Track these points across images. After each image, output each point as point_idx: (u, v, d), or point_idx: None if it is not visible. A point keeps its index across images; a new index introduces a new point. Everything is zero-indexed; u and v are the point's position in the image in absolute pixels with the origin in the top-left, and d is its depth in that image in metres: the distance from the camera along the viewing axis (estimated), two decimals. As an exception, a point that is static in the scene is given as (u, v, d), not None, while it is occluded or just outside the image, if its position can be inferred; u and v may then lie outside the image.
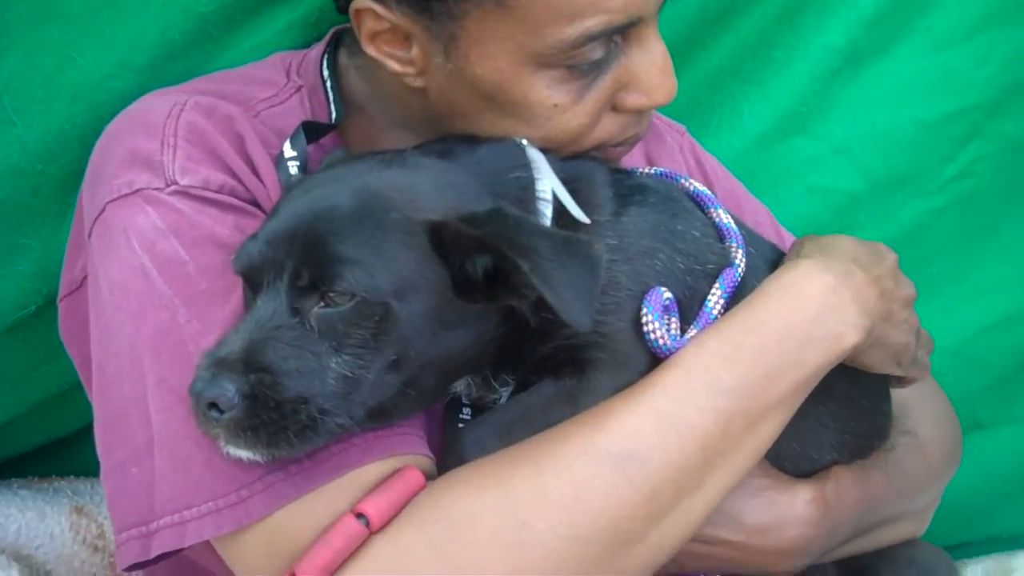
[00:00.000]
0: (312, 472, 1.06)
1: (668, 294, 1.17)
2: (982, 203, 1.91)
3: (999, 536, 2.04)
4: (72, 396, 1.20)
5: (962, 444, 1.59)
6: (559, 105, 1.22)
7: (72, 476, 1.81)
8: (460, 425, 1.19)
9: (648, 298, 1.16)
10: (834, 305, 1.18)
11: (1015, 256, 1.96)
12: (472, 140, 1.23)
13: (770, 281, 1.21)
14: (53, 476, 1.81)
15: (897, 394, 1.42)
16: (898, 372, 1.31)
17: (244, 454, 1.02)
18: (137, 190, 1.16)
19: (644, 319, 1.15)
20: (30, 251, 1.45)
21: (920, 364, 1.35)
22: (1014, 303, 1.97)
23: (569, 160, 1.26)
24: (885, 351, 1.26)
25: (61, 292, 1.32)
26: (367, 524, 1.02)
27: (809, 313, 1.17)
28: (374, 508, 1.03)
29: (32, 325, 1.50)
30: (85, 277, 1.24)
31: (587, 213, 1.19)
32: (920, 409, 1.44)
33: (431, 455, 1.14)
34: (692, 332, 1.18)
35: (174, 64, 1.39)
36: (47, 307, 1.38)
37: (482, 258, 1.06)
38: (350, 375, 1.03)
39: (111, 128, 1.26)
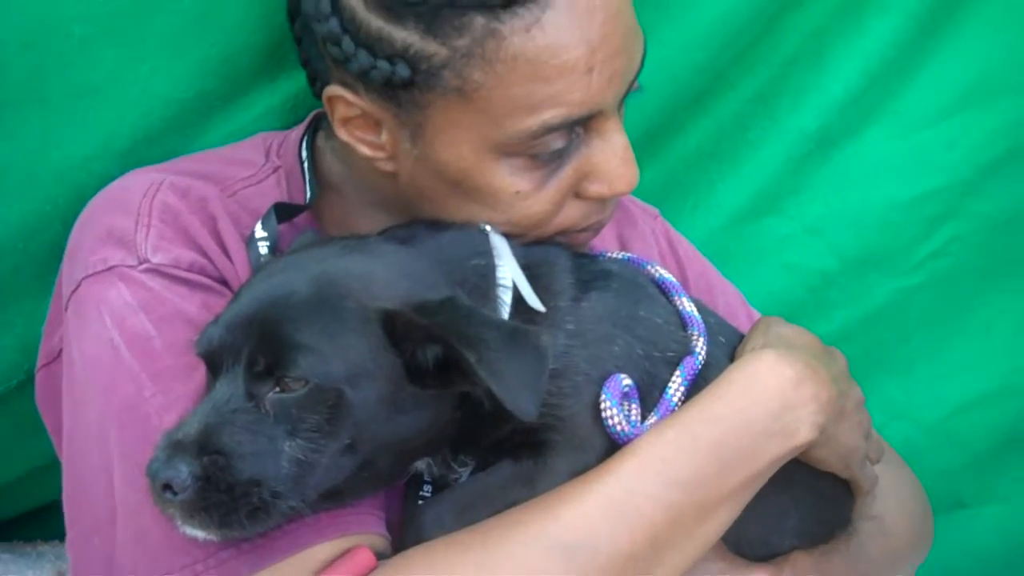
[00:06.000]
0: (265, 550, 1.08)
1: (627, 381, 1.19)
2: (958, 281, 1.91)
3: (986, 616, 2.03)
4: (56, 467, 1.22)
5: (932, 524, 1.59)
6: (521, 192, 1.24)
7: (56, 541, 1.79)
8: (419, 503, 1.20)
9: (607, 385, 1.17)
10: (794, 401, 1.20)
11: (993, 333, 1.96)
12: (436, 226, 1.25)
13: (733, 370, 1.22)
14: (38, 540, 1.81)
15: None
16: (846, 474, 1.31)
17: (198, 533, 1.04)
18: (111, 267, 1.20)
19: (603, 405, 1.16)
20: (13, 327, 1.48)
21: (868, 474, 1.35)
22: (993, 380, 1.97)
23: (533, 245, 1.28)
24: (835, 451, 1.27)
25: (39, 362, 1.34)
26: (315, 603, 1.03)
27: (769, 408, 1.19)
28: (323, 587, 1.04)
29: (16, 399, 1.52)
30: (61, 349, 1.26)
31: (547, 299, 1.21)
32: (885, 493, 1.44)
33: (386, 534, 1.16)
34: (652, 419, 1.19)
35: (153, 148, 1.41)
36: (29, 382, 1.40)
37: (432, 347, 1.08)
38: (303, 459, 1.04)
39: (91, 206, 1.29)
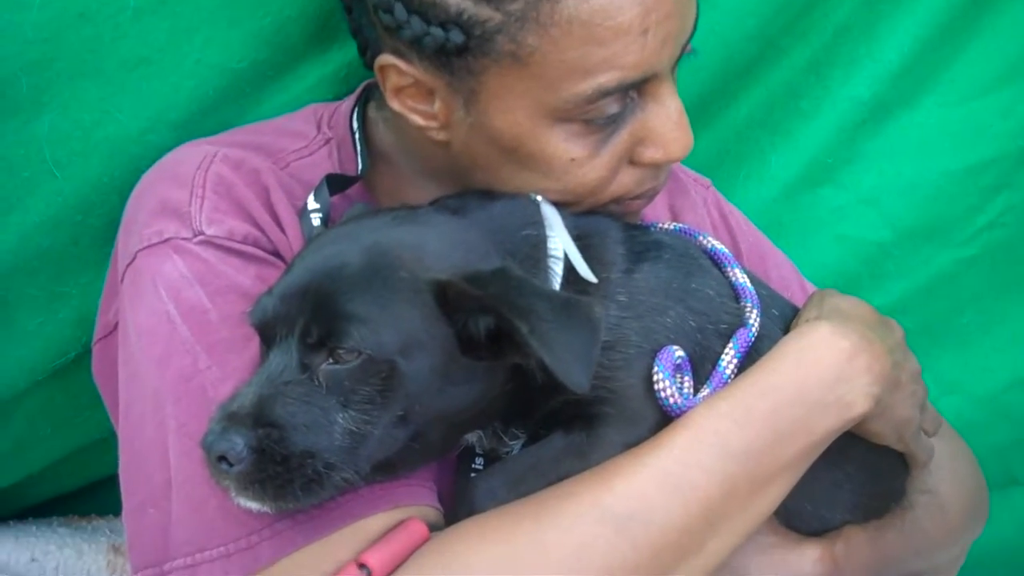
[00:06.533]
0: (319, 521, 1.08)
1: (680, 352, 1.18)
2: (1013, 253, 1.89)
3: (1038, 591, 2.02)
4: (112, 441, 1.23)
5: (988, 500, 1.57)
6: (576, 159, 1.24)
7: (111, 515, 1.84)
8: (472, 475, 1.21)
9: (660, 357, 1.17)
10: (848, 373, 1.19)
11: (1048, 306, 1.93)
12: (488, 196, 1.25)
13: (787, 342, 1.21)
14: (93, 515, 1.84)
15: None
16: (900, 447, 1.30)
17: (253, 505, 1.05)
18: (166, 239, 1.21)
19: (655, 378, 1.16)
20: (70, 299, 1.50)
21: (924, 445, 1.34)
22: (1048, 355, 1.94)
23: (584, 216, 1.27)
24: (889, 423, 1.26)
25: (95, 336, 1.36)
26: (369, 574, 1.04)
27: (824, 379, 1.18)
28: (376, 559, 1.05)
29: (73, 372, 1.55)
30: (117, 322, 1.28)
31: (599, 270, 1.20)
32: (941, 466, 1.43)
33: (438, 507, 1.16)
34: (705, 392, 1.19)
35: (208, 119, 1.42)
36: (86, 355, 1.42)
37: (485, 318, 1.08)
38: (356, 430, 1.05)
39: (146, 178, 1.30)
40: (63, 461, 1.71)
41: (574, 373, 1.02)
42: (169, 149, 1.33)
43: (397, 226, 1.15)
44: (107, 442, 1.60)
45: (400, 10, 1.20)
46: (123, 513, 1.19)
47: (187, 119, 1.42)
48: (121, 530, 1.78)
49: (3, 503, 1.80)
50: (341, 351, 1.05)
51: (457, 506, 1.16)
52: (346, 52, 1.51)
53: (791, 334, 1.23)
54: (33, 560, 1.68)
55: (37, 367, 1.54)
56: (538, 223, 1.21)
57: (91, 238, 1.45)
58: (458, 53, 1.19)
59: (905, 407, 1.27)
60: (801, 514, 1.28)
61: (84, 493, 1.87)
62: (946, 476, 1.45)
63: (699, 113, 1.69)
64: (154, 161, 1.32)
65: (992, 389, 1.95)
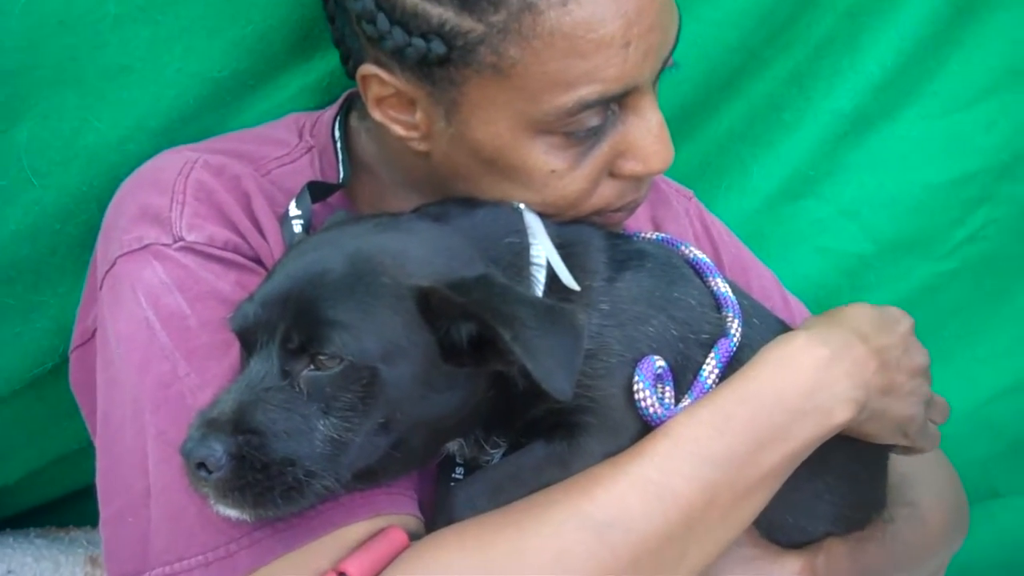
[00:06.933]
0: (299, 529, 1.08)
1: (661, 362, 1.18)
2: (994, 266, 1.90)
3: (1019, 605, 2.01)
4: (90, 451, 1.22)
5: (968, 513, 1.58)
6: (556, 171, 1.24)
7: (89, 526, 1.82)
8: (452, 484, 1.20)
9: (640, 367, 1.16)
10: (826, 380, 1.18)
11: (1029, 319, 1.94)
12: (470, 203, 1.25)
13: (766, 351, 1.21)
14: (71, 526, 1.83)
15: (897, 464, 1.41)
16: (904, 442, 1.30)
17: (232, 513, 1.04)
18: (146, 245, 1.20)
19: (636, 387, 1.16)
20: (48, 308, 1.48)
21: (930, 435, 1.34)
22: (1028, 367, 1.95)
23: (567, 225, 1.27)
24: (887, 423, 1.26)
25: (73, 343, 1.35)
26: (347, 583, 1.03)
27: (801, 387, 1.17)
28: (356, 567, 1.04)
29: (50, 382, 1.53)
30: (95, 329, 1.27)
31: (581, 278, 1.20)
32: (921, 479, 1.44)
33: (418, 515, 1.16)
34: (686, 402, 1.19)
35: (188, 127, 1.42)
36: (64, 364, 1.40)
37: (467, 325, 1.07)
38: (337, 438, 1.04)
39: (126, 184, 1.29)
40: (40, 471, 1.70)
41: (557, 380, 1.02)
42: (148, 157, 1.32)
43: (379, 233, 1.15)
44: (84, 452, 1.58)
45: (383, 20, 1.20)
46: (100, 521, 1.18)
47: (167, 127, 1.41)
48: (99, 541, 1.73)
49: (-21, 515, 1.79)
50: (322, 357, 1.04)
51: (437, 514, 1.15)
52: (328, 62, 1.51)
53: (771, 343, 1.23)
54: (9, 572, 1.67)
55: (13, 376, 1.53)
56: (521, 231, 1.21)
57: (69, 247, 1.44)
58: (440, 64, 1.19)
59: (904, 407, 1.27)
60: (782, 526, 1.28)
61: (62, 503, 1.86)
62: (927, 489, 1.46)
63: (680, 125, 1.69)
64: (133, 170, 1.31)
65: (974, 401, 1.95)
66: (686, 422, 1.14)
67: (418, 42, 1.18)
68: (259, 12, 1.42)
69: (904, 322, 1.32)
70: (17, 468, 1.69)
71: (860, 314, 1.29)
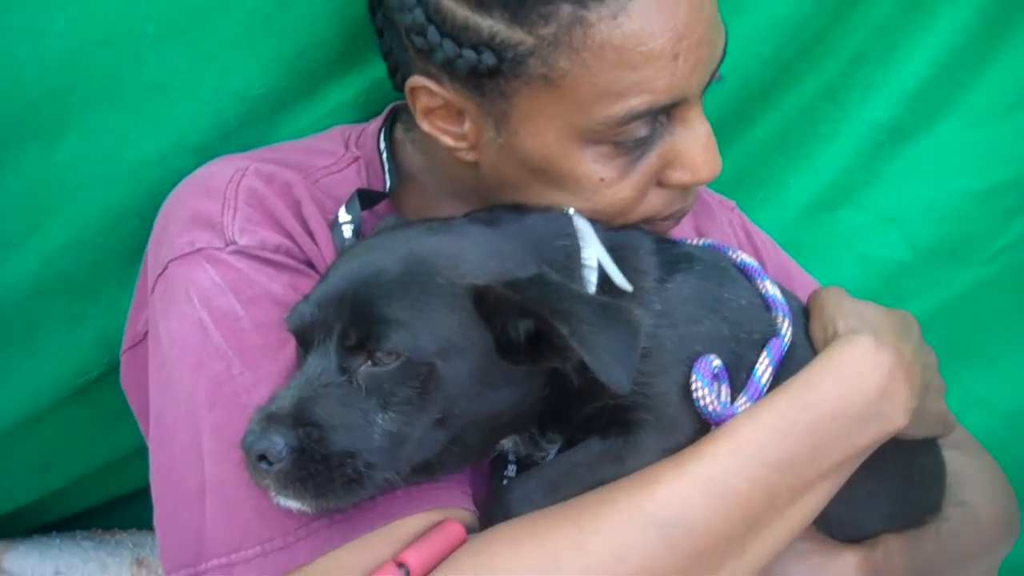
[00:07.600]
0: (356, 521, 1.09)
1: (717, 362, 1.18)
2: (1034, 273, 1.90)
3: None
4: (136, 457, 1.22)
5: (1019, 514, 1.57)
6: (605, 180, 1.25)
7: (134, 529, 1.84)
8: (504, 481, 1.21)
9: (698, 365, 1.17)
10: (891, 389, 1.19)
11: (1070, 322, 1.93)
12: (520, 209, 1.26)
13: (829, 355, 1.21)
14: (116, 528, 1.85)
15: (950, 465, 1.42)
16: (931, 435, 1.32)
17: (293, 504, 1.05)
18: (198, 249, 1.21)
19: (694, 386, 1.16)
20: (92, 320, 1.50)
21: (950, 424, 1.36)
22: (1071, 369, 1.95)
23: (616, 229, 1.28)
24: (925, 422, 1.27)
25: (124, 345, 1.36)
26: (407, 573, 1.04)
27: (867, 395, 1.18)
28: (415, 558, 1.05)
29: (95, 391, 1.55)
30: (147, 332, 1.28)
31: (632, 280, 1.21)
32: (973, 481, 1.44)
33: (473, 509, 1.16)
34: (742, 400, 1.19)
35: (228, 143, 1.43)
36: (109, 373, 1.41)
37: (524, 322, 1.08)
38: (396, 432, 1.05)
39: (177, 191, 1.31)
40: (86, 477, 1.71)
41: (616, 374, 1.03)
42: (189, 173, 1.33)
43: (432, 236, 1.16)
44: (129, 458, 1.62)
45: (433, 33, 1.21)
46: (155, 518, 1.18)
47: (207, 144, 1.42)
48: (144, 543, 1.80)
49: (27, 518, 1.80)
50: (380, 354, 1.06)
51: (492, 510, 1.16)
52: (365, 77, 1.53)
53: (832, 347, 1.22)
54: (57, 573, 1.68)
55: (59, 386, 1.55)
56: (571, 234, 1.22)
57: (112, 261, 1.46)
58: (490, 75, 1.21)
59: (939, 405, 1.29)
60: (839, 522, 1.28)
61: (108, 507, 1.87)
62: (978, 490, 1.46)
63: (716, 136, 1.70)
64: (175, 184, 1.32)
65: (1018, 404, 1.95)
66: (748, 424, 1.15)
67: (469, 54, 1.20)
68: (297, 29, 1.44)
69: (914, 323, 1.33)
70: (64, 475, 1.71)
71: (884, 317, 1.29)
